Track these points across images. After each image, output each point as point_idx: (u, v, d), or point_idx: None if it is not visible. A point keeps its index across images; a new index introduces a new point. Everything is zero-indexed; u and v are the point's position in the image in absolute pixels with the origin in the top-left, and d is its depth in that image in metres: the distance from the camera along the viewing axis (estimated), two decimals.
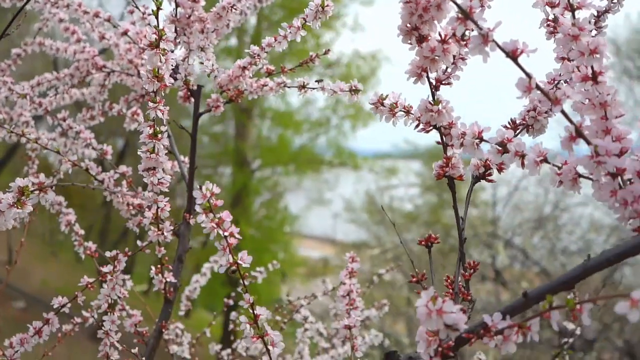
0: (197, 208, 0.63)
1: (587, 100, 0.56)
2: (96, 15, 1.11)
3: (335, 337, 1.43)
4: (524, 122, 0.70)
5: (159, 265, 0.98)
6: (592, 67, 0.55)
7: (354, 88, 0.85)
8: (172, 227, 0.94)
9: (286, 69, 1.00)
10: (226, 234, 0.63)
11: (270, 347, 0.66)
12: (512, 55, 0.51)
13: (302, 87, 0.96)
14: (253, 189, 11.04)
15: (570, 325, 1.11)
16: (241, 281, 0.66)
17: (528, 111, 0.70)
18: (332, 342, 1.46)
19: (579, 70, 0.56)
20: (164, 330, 1.01)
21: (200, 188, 0.62)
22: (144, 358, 0.96)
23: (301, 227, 12.08)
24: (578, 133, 0.53)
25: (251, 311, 0.66)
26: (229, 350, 1.37)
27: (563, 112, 0.52)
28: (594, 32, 0.74)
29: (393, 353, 0.59)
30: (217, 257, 1.50)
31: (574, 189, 0.56)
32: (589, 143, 0.52)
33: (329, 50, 1.02)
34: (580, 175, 0.56)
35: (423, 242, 0.67)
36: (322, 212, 12.22)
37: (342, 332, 1.01)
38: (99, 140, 1.17)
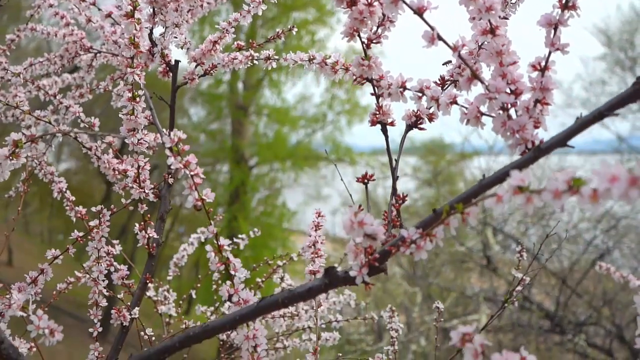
0: (167, 151, 0.73)
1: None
2: None
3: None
4: (451, 77, 0.81)
5: (142, 222, 1.09)
6: (489, 22, 0.65)
7: (311, 57, 0.96)
8: (152, 186, 1.04)
9: (255, 44, 1.11)
10: (192, 173, 0.74)
11: (233, 272, 0.77)
12: (419, 11, 0.62)
13: (268, 58, 1.07)
14: (251, 186, 11.14)
15: (518, 274, 1.22)
16: (207, 217, 0.77)
17: (455, 68, 0.81)
18: (312, 304, 1.57)
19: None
20: (148, 281, 1.12)
21: (169, 134, 0.73)
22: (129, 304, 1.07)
23: (299, 224, 12.16)
24: (474, 75, 0.64)
25: (215, 242, 0.77)
26: (212, 308, 1.48)
27: (460, 57, 0.63)
28: (513, 0, 0.85)
29: (332, 268, 0.70)
30: (204, 229, 1.61)
31: (478, 124, 0.67)
32: (483, 83, 0.63)
33: (293, 26, 1.12)
34: (482, 114, 0.66)
35: (360, 180, 0.78)
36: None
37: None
38: (95, 138, 1.28)
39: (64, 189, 1.25)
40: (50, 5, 1.32)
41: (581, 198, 0.43)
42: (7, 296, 0.75)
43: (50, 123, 1.12)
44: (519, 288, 1.18)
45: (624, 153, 8.84)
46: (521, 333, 6.41)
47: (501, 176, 0.61)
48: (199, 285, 1.56)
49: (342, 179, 1.12)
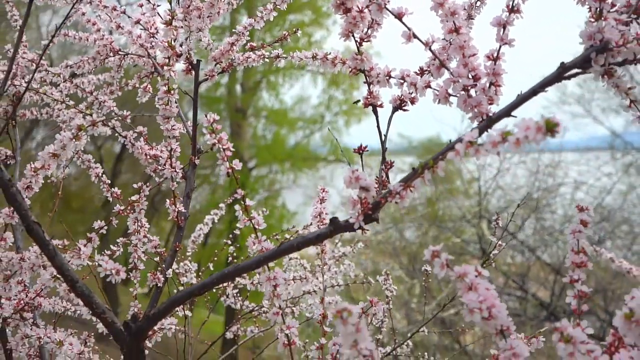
0: (204, 130, 0.93)
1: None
2: (114, 9, 1.41)
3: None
4: (428, 68, 1.00)
5: (172, 198, 1.28)
6: (454, 23, 0.85)
7: (314, 55, 1.15)
8: (182, 166, 1.23)
9: (265, 44, 1.30)
10: (224, 147, 0.93)
11: (256, 227, 0.96)
12: (398, 16, 0.81)
13: (277, 57, 1.26)
14: (250, 188, 11.33)
15: (493, 239, 1.41)
16: (236, 182, 0.96)
17: (430, 60, 1.00)
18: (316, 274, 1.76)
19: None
20: (177, 249, 1.31)
21: (206, 115, 0.92)
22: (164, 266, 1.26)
23: (299, 224, 12.27)
24: (442, 64, 0.83)
25: (243, 203, 0.96)
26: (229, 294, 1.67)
27: (431, 51, 0.82)
28: (478, 3, 1.04)
29: (335, 218, 0.89)
30: (216, 210, 1.81)
31: (446, 102, 0.86)
32: (449, 70, 0.82)
33: (297, 29, 1.32)
34: (449, 94, 0.86)
35: (356, 151, 0.97)
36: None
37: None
38: (97, 144, 1.47)
39: (100, 174, 1.44)
40: (83, 14, 1.51)
41: (509, 144, 0.63)
42: (76, 249, 0.94)
43: (91, 115, 1.31)
44: (495, 252, 1.37)
45: (619, 148, 9.00)
46: (518, 322, 6.60)
47: (461, 139, 0.80)
48: (215, 258, 1.76)
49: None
